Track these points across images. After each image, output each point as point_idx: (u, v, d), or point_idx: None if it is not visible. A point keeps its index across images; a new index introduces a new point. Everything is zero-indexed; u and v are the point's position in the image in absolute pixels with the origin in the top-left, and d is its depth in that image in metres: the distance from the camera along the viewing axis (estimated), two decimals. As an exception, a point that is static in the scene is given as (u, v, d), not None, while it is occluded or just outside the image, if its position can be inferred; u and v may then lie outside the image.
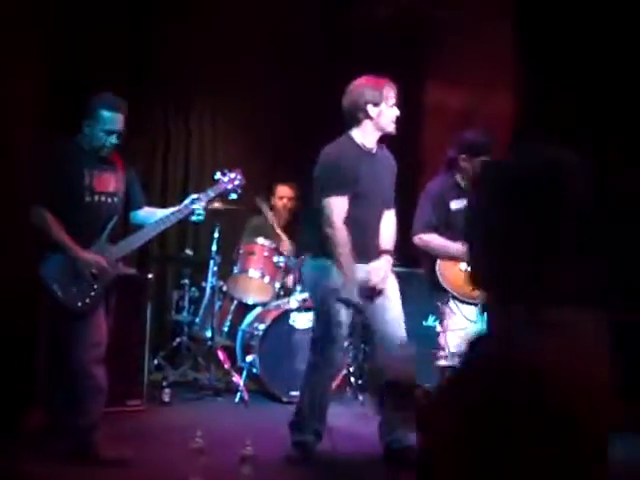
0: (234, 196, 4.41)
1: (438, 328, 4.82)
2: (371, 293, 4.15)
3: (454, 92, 6.58)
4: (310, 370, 4.21)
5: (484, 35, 6.23)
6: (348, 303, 4.08)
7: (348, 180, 4.06)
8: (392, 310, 4.21)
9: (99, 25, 5.93)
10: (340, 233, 4.03)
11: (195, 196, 4.23)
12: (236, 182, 4.33)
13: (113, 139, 3.99)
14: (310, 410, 4.18)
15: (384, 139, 4.26)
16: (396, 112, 4.11)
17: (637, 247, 5.03)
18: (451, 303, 4.74)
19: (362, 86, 4.10)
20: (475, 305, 4.75)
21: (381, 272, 4.16)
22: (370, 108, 4.07)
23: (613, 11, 5.45)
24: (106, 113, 3.96)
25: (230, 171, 4.37)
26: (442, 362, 4.78)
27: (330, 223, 4.03)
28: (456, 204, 4.75)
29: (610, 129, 5.42)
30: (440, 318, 4.83)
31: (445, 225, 4.74)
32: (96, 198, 4.02)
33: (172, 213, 4.18)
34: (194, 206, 4.18)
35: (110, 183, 4.08)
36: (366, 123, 4.11)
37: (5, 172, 4.66)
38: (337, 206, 4.04)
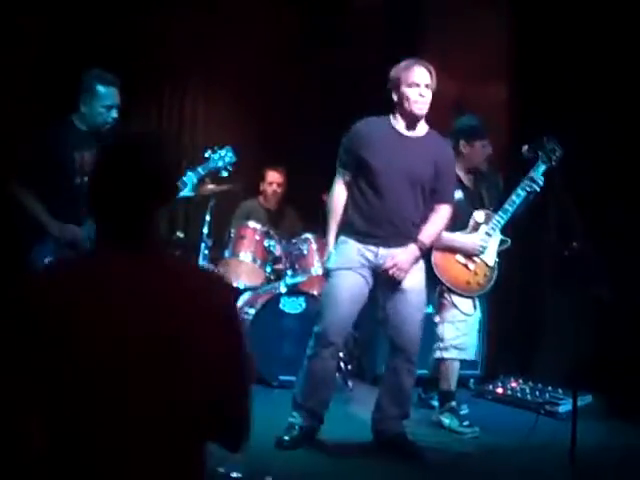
0: (225, 174, 4.33)
1: (436, 319, 4.81)
2: (386, 278, 4.09)
3: (447, 79, 6.55)
4: (309, 349, 4.18)
5: (477, 21, 6.20)
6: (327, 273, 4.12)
7: (348, 158, 4.11)
8: (407, 304, 4.13)
9: (93, 7, 5.86)
10: (330, 199, 4.18)
11: (187, 174, 4.17)
12: (226, 159, 4.26)
13: (113, 113, 3.96)
14: (308, 388, 4.17)
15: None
16: (417, 91, 4.03)
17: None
18: (447, 295, 4.73)
19: (390, 73, 4.11)
20: (470, 298, 4.74)
21: (397, 259, 4.06)
22: (393, 93, 4.07)
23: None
24: (103, 88, 3.92)
25: (220, 148, 4.28)
26: (438, 353, 4.77)
27: (330, 192, 4.22)
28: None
29: (603, 116, 5.42)
30: (437, 309, 4.81)
31: None
32: (85, 179, 3.97)
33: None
34: (182, 185, 4.12)
35: None
36: (396, 108, 4.12)
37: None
38: (336, 179, 4.17)
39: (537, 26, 5.86)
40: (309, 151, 6.41)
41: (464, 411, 4.86)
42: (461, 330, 4.71)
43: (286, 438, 4.12)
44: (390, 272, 4.05)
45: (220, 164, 4.26)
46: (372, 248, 4.09)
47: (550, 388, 5.32)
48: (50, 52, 5.44)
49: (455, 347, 4.71)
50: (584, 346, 4.08)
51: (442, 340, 4.73)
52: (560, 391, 5.25)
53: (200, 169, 4.20)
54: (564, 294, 5.20)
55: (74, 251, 3.91)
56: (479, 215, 4.73)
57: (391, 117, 4.15)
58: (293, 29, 6.55)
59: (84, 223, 3.97)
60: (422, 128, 4.17)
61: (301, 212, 6.62)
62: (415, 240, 4.10)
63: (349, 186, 4.16)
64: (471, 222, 4.72)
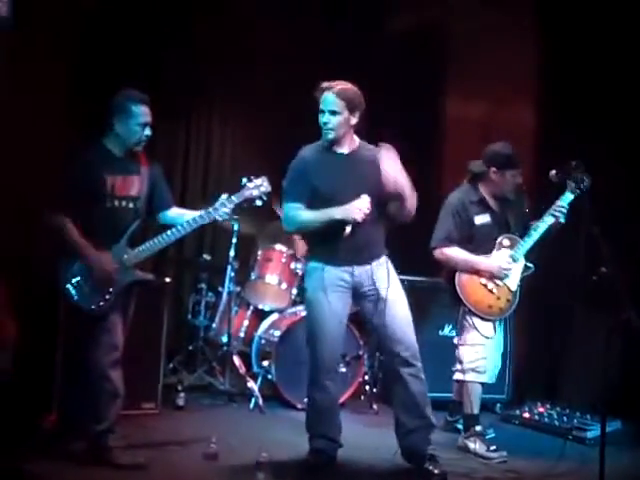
0: (259, 203, 4.35)
1: (455, 340, 4.80)
2: (370, 297, 4.11)
3: (474, 104, 6.57)
4: (309, 378, 4.21)
5: (504, 48, 6.22)
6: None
7: (299, 187, 4.10)
8: (394, 313, 4.12)
9: (121, 28, 5.96)
10: (296, 220, 4.13)
11: (225, 197, 4.20)
12: (262, 189, 4.27)
13: (147, 131, 4.05)
14: (314, 415, 4.17)
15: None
16: (323, 119, 4.09)
17: None
18: (469, 317, 4.71)
19: None
20: (492, 321, 4.72)
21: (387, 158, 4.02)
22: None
23: (634, 22, 5.43)
24: (137, 107, 4.01)
25: (256, 177, 4.32)
26: (456, 375, 4.76)
27: (286, 225, 4.21)
28: (480, 219, 4.73)
29: (632, 142, 5.40)
30: (458, 331, 4.80)
31: (467, 239, 4.72)
32: (116, 203, 4.04)
33: (200, 216, 4.16)
34: (221, 211, 4.17)
35: (133, 186, 4.09)
36: None
37: (27, 179, 4.70)
38: (290, 211, 4.14)
39: (566, 51, 5.86)
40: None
41: (490, 435, 4.83)
42: (480, 353, 4.68)
43: (311, 461, 4.11)
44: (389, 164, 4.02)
45: (255, 193, 4.27)
46: (347, 269, 4.11)
47: (578, 413, 5.26)
48: (81, 75, 5.53)
49: (473, 370, 4.69)
50: (612, 371, 4.04)
51: (461, 362, 4.72)
52: (588, 416, 5.20)
53: (235, 197, 4.22)
54: (592, 319, 5.16)
55: (111, 283, 3.98)
56: (505, 239, 4.72)
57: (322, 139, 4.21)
58: (328, 57, 6.60)
59: (113, 247, 4.02)
60: (353, 143, 4.19)
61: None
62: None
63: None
64: (497, 246, 4.71)
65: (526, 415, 5.33)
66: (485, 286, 4.67)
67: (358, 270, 4.11)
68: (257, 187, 4.25)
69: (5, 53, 4.70)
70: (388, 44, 6.75)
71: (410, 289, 4.75)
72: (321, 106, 4.10)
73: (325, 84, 4.12)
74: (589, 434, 4.97)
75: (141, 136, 4.04)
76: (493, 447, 4.62)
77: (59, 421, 4.42)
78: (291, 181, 4.16)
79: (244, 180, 4.28)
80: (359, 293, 4.14)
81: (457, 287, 4.64)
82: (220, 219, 4.20)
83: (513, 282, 4.70)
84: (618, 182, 5.29)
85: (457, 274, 4.67)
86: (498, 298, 4.68)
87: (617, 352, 4.28)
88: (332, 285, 4.09)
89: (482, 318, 4.69)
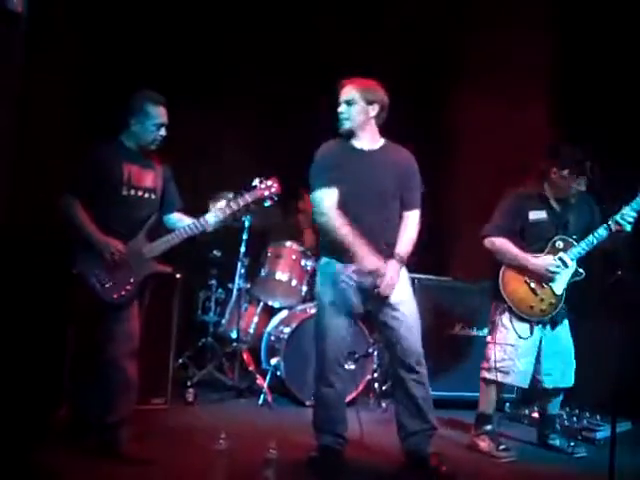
0: (267, 204, 4.42)
1: (487, 338, 4.76)
2: (374, 296, 4.09)
3: (488, 105, 6.55)
4: (315, 374, 4.21)
5: (520, 53, 6.21)
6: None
7: (331, 175, 4.09)
8: (402, 316, 4.12)
9: (136, 30, 5.98)
10: (330, 219, 4.05)
11: (235, 200, 4.25)
12: (272, 190, 4.36)
13: (162, 131, 4.11)
14: (321, 411, 4.18)
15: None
16: (339, 109, 4.14)
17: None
18: (505, 316, 4.65)
19: None
20: (529, 322, 4.67)
21: (387, 279, 4.03)
22: None
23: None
24: (153, 108, 4.06)
25: (267, 178, 4.38)
26: (484, 374, 4.72)
27: (319, 212, 4.09)
28: (535, 214, 4.63)
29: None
30: (491, 329, 4.76)
31: (519, 233, 4.64)
32: (133, 192, 4.07)
33: (210, 215, 4.20)
34: (229, 210, 4.20)
35: (149, 178, 4.14)
36: None
37: (44, 174, 4.72)
38: (325, 196, 4.07)
39: (584, 51, 5.83)
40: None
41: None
42: (508, 354, 4.62)
43: (317, 458, 4.11)
44: (387, 292, 4.05)
45: (266, 194, 4.35)
46: (353, 266, 4.09)
47: (588, 414, 5.25)
48: (95, 73, 5.55)
49: (499, 370, 4.63)
50: (623, 372, 4.02)
51: (487, 360, 4.68)
52: (598, 417, 5.18)
53: (247, 196, 4.29)
54: (604, 320, 5.13)
55: (132, 274, 4.00)
56: (559, 241, 4.62)
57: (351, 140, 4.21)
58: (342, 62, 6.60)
59: (135, 235, 4.06)
60: (375, 140, 4.20)
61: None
62: (393, 254, 4.08)
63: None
64: (549, 246, 4.62)
65: (535, 415, 5.31)
66: (529, 286, 4.61)
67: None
68: (268, 188, 4.32)
69: (23, 47, 4.72)
70: (398, 44, 6.75)
71: (421, 288, 4.76)
72: (339, 99, 4.15)
73: (344, 79, 4.16)
74: (599, 435, 4.95)
75: (156, 136, 4.10)
76: (502, 446, 4.60)
77: (70, 414, 4.43)
78: (320, 168, 4.14)
79: (256, 181, 4.34)
80: (368, 292, 4.12)
81: (500, 282, 4.57)
82: (231, 218, 4.24)
83: (559, 286, 4.61)
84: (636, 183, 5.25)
85: (503, 269, 4.59)
86: (542, 300, 4.61)
87: (628, 353, 4.24)
88: (342, 282, 4.09)
89: (520, 317, 4.64)
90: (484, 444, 4.63)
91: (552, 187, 4.66)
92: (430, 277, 5.74)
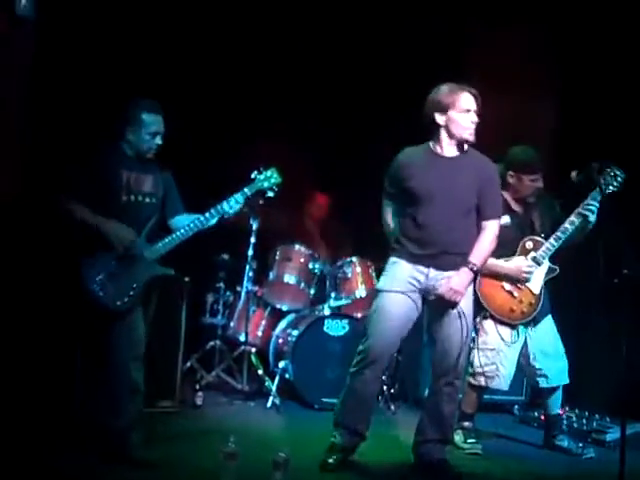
0: (271, 194, 4.35)
1: (471, 345, 4.77)
2: (438, 303, 4.08)
3: (494, 102, 6.54)
4: (352, 367, 4.18)
5: (524, 47, 6.19)
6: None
7: (397, 186, 4.13)
8: (457, 329, 4.07)
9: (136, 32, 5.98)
10: (387, 230, 4.28)
11: (234, 195, 4.21)
12: (272, 180, 4.28)
13: (158, 140, 4.07)
14: (347, 403, 4.16)
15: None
16: (470, 118, 4.05)
17: None
18: (487, 321, 4.68)
19: (431, 95, 4.11)
20: (512, 327, 4.69)
21: (452, 283, 4.02)
22: (437, 116, 4.07)
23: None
24: (148, 117, 4.03)
25: (266, 168, 4.32)
26: (469, 379, 4.74)
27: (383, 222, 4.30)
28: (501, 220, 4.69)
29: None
30: (476, 334, 4.77)
31: None
32: (133, 198, 4.06)
33: (208, 212, 4.17)
34: (228, 205, 4.17)
35: (148, 183, 4.12)
36: (440, 131, 4.10)
37: (50, 177, 4.73)
38: (382, 200, 4.27)
39: (587, 50, 5.82)
40: (356, 176, 6.49)
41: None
42: (490, 359, 4.66)
43: (330, 461, 4.10)
44: (447, 296, 4.03)
45: (266, 185, 4.28)
46: (422, 269, 4.07)
47: (597, 416, 5.23)
48: (104, 77, 5.57)
49: (483, 374, 4.67)
50: (632, 373, 4.00)
51: (471, 366, 4.72)
52: (607, 419, 5.16)
53: (246, 189, 4.23)
54: (612, 321, 5.12)
55: (127, 254, 3.98)
56: (528, 242, 4.66)
57: (431, 144, 4.16)
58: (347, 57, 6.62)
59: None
60: (460, 148, 4.18)
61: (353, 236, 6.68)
62: (467, 262, 4.05)
63: (397, 214, 4.21)
64: (519, 248, 4.65)
65: (544, 417, 5.30)
66: (506, 290, 4.64)
67: (434, 273, 4.08)
68: (267, 179, 4.27)
69: (32, 52, 4.74)
70: (408, 44, 6.74)
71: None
72: (467, 105, 4.05)
73: (454, 84, 4.09)
74: (608, 437, 4.93)
75: (151, 145, 4.07)
76: (471, 440, 4.68)
77: (79, 417, 4.44)
78: (386, 180, 4.24)
79: (254, 173, 4.29)
80: (427, 298, 4.12)
81: (478, 292, 4.58)
82: (231, 211, 4.19)
83: (536, 285, 4.65)
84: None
85: (478, 278, 4.63)
86: (520, 302, 4.64)
87: (638, 354, 4.23)
88: (402, 281, 4.07)
89: (503, 322, 4.66)
90: (457, 437, 4.69)
91: (511, 191, 4.69)
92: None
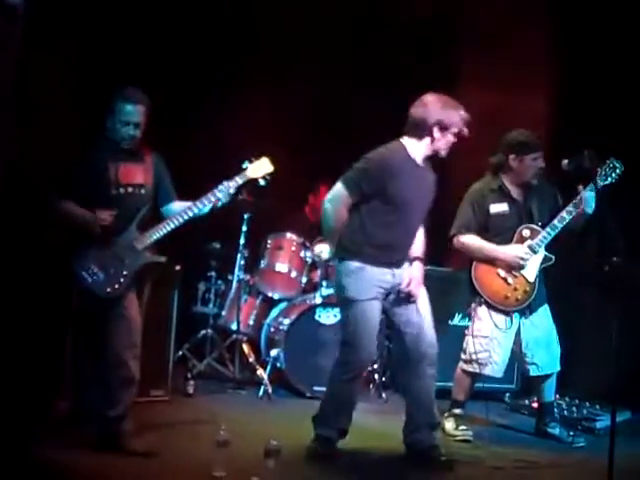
0: (262, 183, 4.35)
1: (465, 331, 4.80)
2: (403, 297, 4.16)
3: (486, 93, 6.54)
4: (336, 367, 4.20)
5: (518, 37, 6.18)
6: None
7: (377, 187, 4.05)
8: (423, 312, 4.19)
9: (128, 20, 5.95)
10: (331, 224, 4.13)
11: (225, 184, 4.20)
12: (264, 169, 4.29)
13: (130, 130, 4.00)
14: (335, 407, 4.18)
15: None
16: (453, 140, 4.10)
17: None
18: (481, 308, 4.69)
19: (440, 105, 4.07)
20: (506, 314, 4.70)
21: (413, 277, 4.16)
22: (436, 130, 4.06)
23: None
24: (123, 105, 3.99)
25: (257, 158, 4.32)
26: (463, 366, 4.76)
27: (329, 199, 4.11)
28: (495, 207, 4.69)
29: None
30: (470, 321, 4.78)
31: (484, 228, 4.69)
32: (122, 190, 4.04)
33: (199, 201, 4.16)
34: (219, 194, 4.16)
35: (137, 174, 4.09)
36: (425, 139, 4.10)
37: (42, 168, 4.72)
38: (342, 194, 4.06)
39: (582, 39, 5.82)
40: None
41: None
42: (483, 346, 4.67)
43: (318, 449, 4.12)
44: (409, 289, 4.13)
45: (257, 174, 4.29)
46: (388, 270, 4.13)
47: (588, 404, 5.25)
48: (94, 67, 5.54)
49: (476, 361, 4.68)
50: (623, 361, 4.02)
51: (464, 352, 4.74)
52: (598, 407, 5.19)
53: (238, 178, 4.23)
54: (603, 308, 5.14)
55: (124, 266, 3.98)
56: (525, 230, 4.67)
57: (405, 143, 4.14)
58: (346, 48, 6.60)
59: (123, 232, 4.03)
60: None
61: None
62: (417, 257, 4.22)
63: (351, 209, 4.13)
64: (516, 236, 4.66)
65: (535, 405, 5.32)
66: (501, 276, 4.64)
67: (398, 271, 4.16)
68: (259, 168, 4.27)
69: (20, 42, 4.70)
70: (399, 33, 6.72)
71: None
72: (459, 128, 4.09)
73: (454, 102, 4.12)
74: (598, 424, 4.96)
75: (124, 134, 4.01)
76: (462, 427, 4.71)
77: (71, 406, 4.44)
78: (362, 175, 4.08)
79: (245, 162, 4.29)
80: (392, 292, 4.17)
81: (473, 278, 4.62)
82: (224, 200, 4.18)
83: (531, 273, 4.65)
84: (635, 172, 5.25)
85: (474, 264, 4.65)
86: (515, 289, 4.65)
87: (628, 342, 4.25)
88: (374, 287, 4.10)
89: (497, 309, 4.67)
90: (448, 425, 4.73)
91: (512, 175, 4.71)
92: (430, 268, 5.73)
